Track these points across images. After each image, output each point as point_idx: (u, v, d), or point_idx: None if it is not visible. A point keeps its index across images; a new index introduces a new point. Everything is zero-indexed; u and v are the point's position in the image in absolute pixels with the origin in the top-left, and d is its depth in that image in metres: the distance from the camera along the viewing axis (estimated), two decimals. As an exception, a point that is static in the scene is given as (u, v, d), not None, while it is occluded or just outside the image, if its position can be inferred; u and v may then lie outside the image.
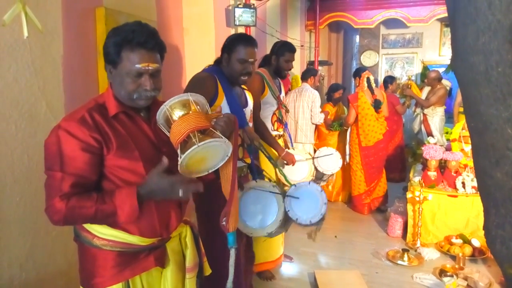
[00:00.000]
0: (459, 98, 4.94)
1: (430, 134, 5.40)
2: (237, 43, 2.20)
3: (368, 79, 4.55)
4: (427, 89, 5.76)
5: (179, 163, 1.22)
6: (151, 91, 1.33)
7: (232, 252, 1.51)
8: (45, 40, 1.91)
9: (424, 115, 5.60)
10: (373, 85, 4.59)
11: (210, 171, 1.35)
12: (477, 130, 1.32)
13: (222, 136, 1.29)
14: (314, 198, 1.96)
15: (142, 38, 1.29)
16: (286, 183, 2.28)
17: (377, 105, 4.49)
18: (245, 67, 2.19)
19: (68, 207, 1.22)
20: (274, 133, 3.03)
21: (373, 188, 4.69)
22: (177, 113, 1.28)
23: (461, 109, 4.77)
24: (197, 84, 2.15)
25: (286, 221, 1.98)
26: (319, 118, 4.47)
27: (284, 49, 3.12)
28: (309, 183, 2.02)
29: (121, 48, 1.30)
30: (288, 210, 1.93)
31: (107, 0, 2.30)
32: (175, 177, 1.25)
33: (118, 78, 1.33)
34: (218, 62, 2.30)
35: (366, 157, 4.57)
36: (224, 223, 1.47)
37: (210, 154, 1.30)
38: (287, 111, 3.21)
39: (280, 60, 3.10)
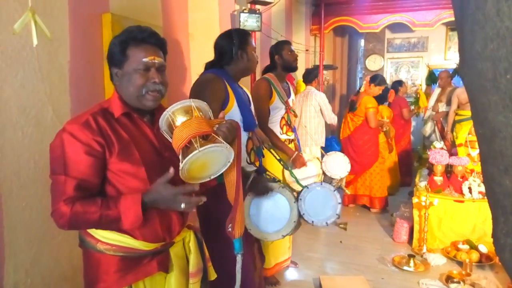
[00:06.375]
0: (454, 106, 4.91)
1: (443, 135, 5.33)
2: (246, 36, 2.26)
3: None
4: (437, 91, 5.70)
5: (180, 168, 1.21)
6: (160, 84, 1.36)
7: (239, 258, 1.50)
8: (52, 46, 1.92)
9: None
10: (362, 89, 4.96)
11: (212, 177, 1.34)
12: (486, 138, 1.30)
13: (224, 142, 1.28)
14: (328, 198, 1.94)
15: (145, 34, 1.36)
16: (297, 185, 2.25)
17: (350, 106, 5.00)
18: (256, 55, 2.30)
19: (72, 212, 1.23)
20: (284, 136, 3.01)
21: (351, 181, 4.91)
22: (179, 119, 1.28)
23: (457, 117, 4.75)
24: (207, 87, 2.07)
25: (300, 222, 1.97)
26: (334, 118, 4.59)
27: (281, 44, 3.25)
28: (321, 183, 1.99)
29: (126, 46, 1.34)
30: (303, 214, 1.91)
31: (114, 6, 2.31)
32: (179, 188, 1.25)
33: (125, 77, 1.35)
34: (213, 64, 2.24)
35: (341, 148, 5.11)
36: (230, 229, 1.45)
37: (212, 160, 1.30)
38: (295, 115, 3.21)
39: (283, 54, 3.15)
